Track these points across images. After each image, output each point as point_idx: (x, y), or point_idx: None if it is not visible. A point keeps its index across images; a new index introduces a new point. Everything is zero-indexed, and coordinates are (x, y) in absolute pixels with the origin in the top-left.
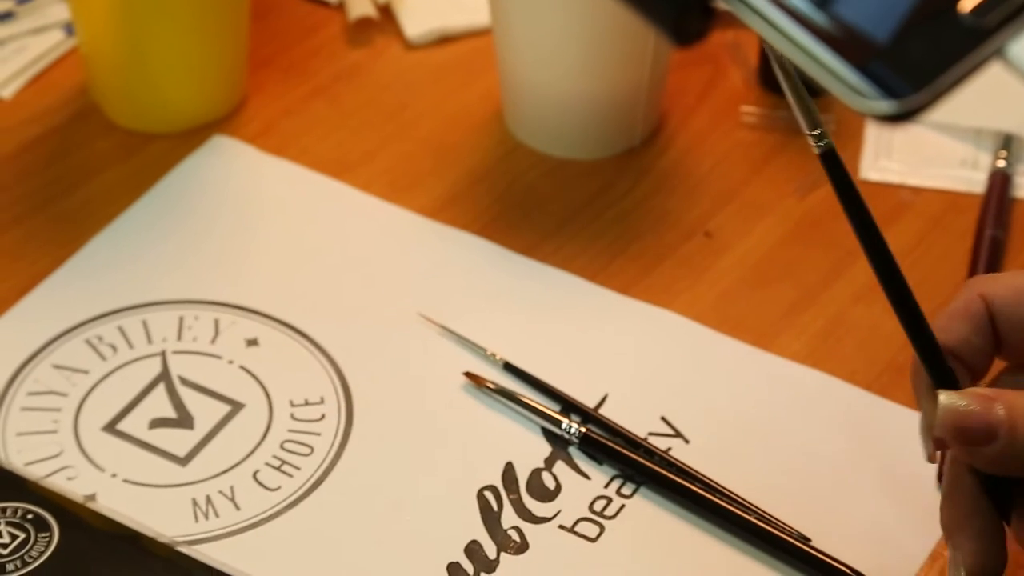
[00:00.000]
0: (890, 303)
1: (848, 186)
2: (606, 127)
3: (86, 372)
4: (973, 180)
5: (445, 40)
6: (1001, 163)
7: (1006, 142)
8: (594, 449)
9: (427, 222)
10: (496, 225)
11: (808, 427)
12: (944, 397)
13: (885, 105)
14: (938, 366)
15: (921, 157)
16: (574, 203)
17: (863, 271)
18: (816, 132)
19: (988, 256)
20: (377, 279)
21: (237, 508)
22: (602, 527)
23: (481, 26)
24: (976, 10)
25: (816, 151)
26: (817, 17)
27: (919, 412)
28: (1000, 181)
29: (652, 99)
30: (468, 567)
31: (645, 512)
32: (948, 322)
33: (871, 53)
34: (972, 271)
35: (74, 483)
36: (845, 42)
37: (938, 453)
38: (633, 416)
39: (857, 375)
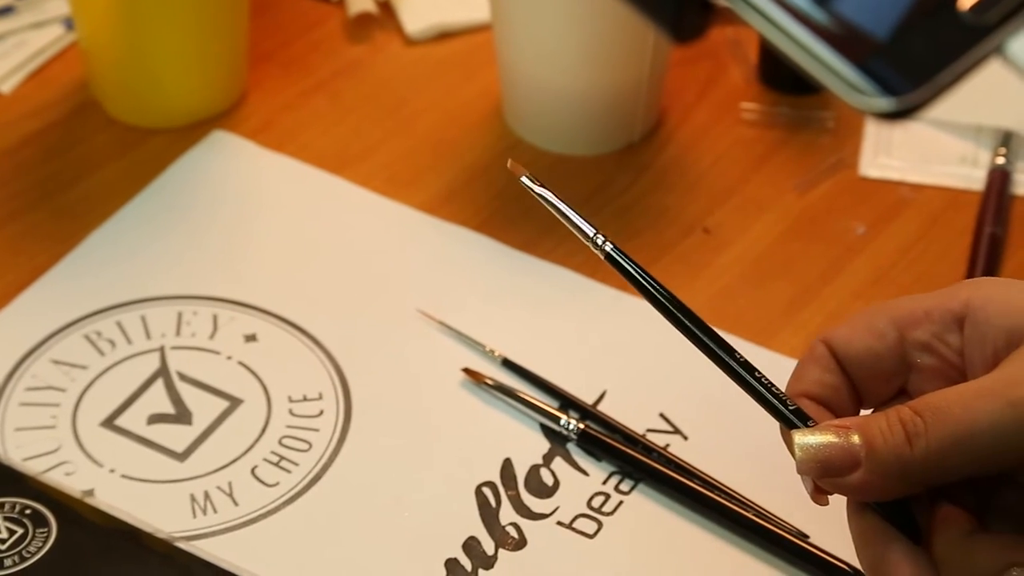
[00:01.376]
0: (713, 361)
1: (640, 277)
2: (605, 123)
3: (84, 367)
4: (972, 177)
5: (445, 36)
6: (1000, 160)
7: (1005, 139)
8: (592, 445)
9: (426, 218)
10: (495, 221)
11: None
12: (799, 436)
13: (884, 102)
14: (783, 409)
15: (921, 154)
16: (573, 199)
17: (862, 267)
18: (595, 237)
19: (987, 253)
20: (376, 275)
21: (235, 504)
22: (600, 523)
23: (481, 22)
24: (976, 7)
25: (601, 255)
26: (816, 14)
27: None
28: (999, 178)
29: (652, 95)
30: (466, 563)
31: (643, 508)
32: (799, 371)
33: (870, 50)
34: (971, 268)
35: (72, 478)
36: (844, 39)
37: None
38: (631, 412)
39: None
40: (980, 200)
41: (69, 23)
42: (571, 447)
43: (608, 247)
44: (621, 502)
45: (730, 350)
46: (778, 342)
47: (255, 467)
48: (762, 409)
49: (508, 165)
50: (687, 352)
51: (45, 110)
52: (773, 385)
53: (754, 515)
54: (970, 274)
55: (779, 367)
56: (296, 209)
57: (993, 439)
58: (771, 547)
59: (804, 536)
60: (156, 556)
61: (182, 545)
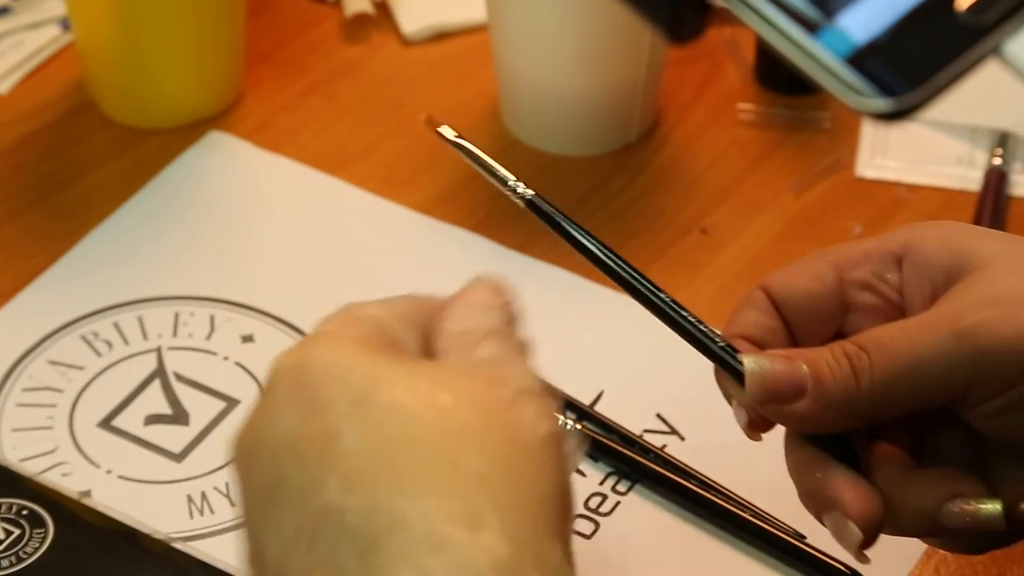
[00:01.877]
0: (644, 305)
1: (561, 222)
2: (602, 123)
3: (81, 368)
4: (969, 178)
5: (441, 36)
6: (997, 161)
7: (1002, 140)
8: (589, 446)
9: (423, 218)
10: (491, 221)
11: None
12: (749, 361)
13: (881, 103)
14: (712, 344)
15: (917, 155)
16: (570, 199)
17: None
18: (513, 185)
19: None
20: (373, 275)
21: (232, 504)
22: (597, 524)
23: (478, 22)
24: (973, 8)
25: (522, 203)
26: (813, 14)
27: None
28: (996, 179)
29: (648, 96)
30: None
31: (640, 509)
32: (734, 315)
33: (867, 50)
34: None
35: (69, 479)
36: (841, 39)
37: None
38: (628, 413)
39: None
40: (977, 201)
41: (66, 23)
42: None
43: (529, 194)
44: (618, 503)
45: (656, 289)
46: None
47: None
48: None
49: (422, 119)
50: (684, 353)
51: (41, 111)
52: (703, 323)
53: (751, 516)
54: None
55: None
56: (293, 210)
57: (937, 370)
58: (768, 548)
59: (801, 536)
60: (153, 557)
61: (179, 546)
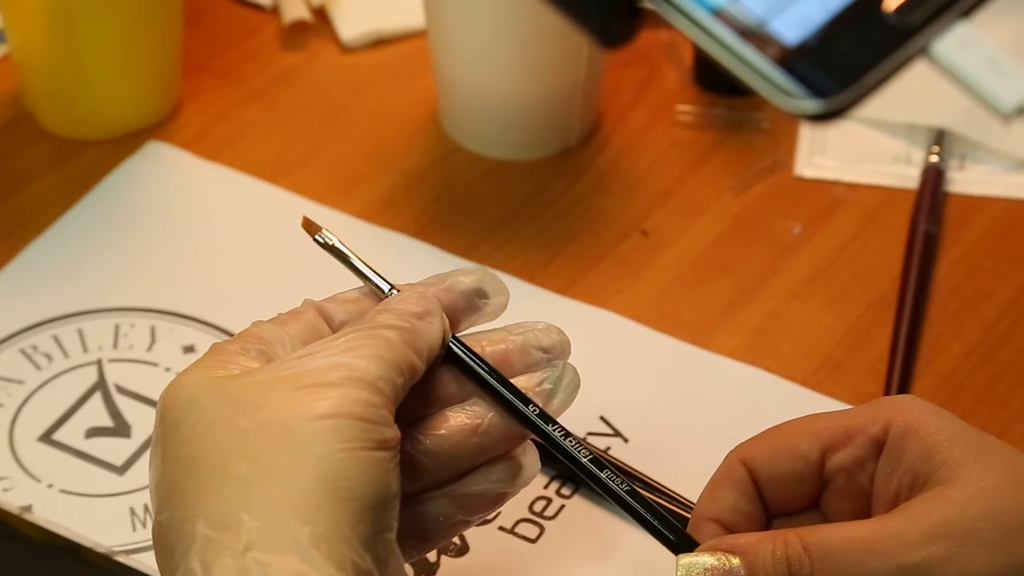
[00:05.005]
0: (600, 491)
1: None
2: (542, 128)
3: (21, 382)
4: (907, 176)
5: (380, 43)
6: (934, 158)
7: (938, 137)
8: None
9: (364, 225)
10: (433, 227)
11: (746, 424)
12: (683, 559)
13: (812, 104)
14: (669, 532)
15: (855, 153)
16: (511, 204)
17: (799, 267)
18: (389, 291)
19: (922, 251)
20: (314, 284)
21: None
22: (542, 528)
23: (417, 28)
24: (901, 8)
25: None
26: (742, 16)
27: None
28: (933, 176)
29: (588, 99)
30: (408, 570)
31: (585, 512)
32: (713, 491)
33: (797, 52)
34: (907, 266)
35: (10, 494)
36: (771, 41)
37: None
38: (572, 416)
39: (794, 371)
40: (914, 198)
41: (0, 35)
42: None
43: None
44: (563, 506)
45: (617, 476)
46: (717, 342)
47: None
48: (701, 408)
49: (301, 223)
50: (627, 355)
51: None
52: (662, 508)
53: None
54: (905, 271)
55: (719, 368)
56: (233, 219)
57: None
58: None
59: None
60: (96, 571)
61: (122, 559)
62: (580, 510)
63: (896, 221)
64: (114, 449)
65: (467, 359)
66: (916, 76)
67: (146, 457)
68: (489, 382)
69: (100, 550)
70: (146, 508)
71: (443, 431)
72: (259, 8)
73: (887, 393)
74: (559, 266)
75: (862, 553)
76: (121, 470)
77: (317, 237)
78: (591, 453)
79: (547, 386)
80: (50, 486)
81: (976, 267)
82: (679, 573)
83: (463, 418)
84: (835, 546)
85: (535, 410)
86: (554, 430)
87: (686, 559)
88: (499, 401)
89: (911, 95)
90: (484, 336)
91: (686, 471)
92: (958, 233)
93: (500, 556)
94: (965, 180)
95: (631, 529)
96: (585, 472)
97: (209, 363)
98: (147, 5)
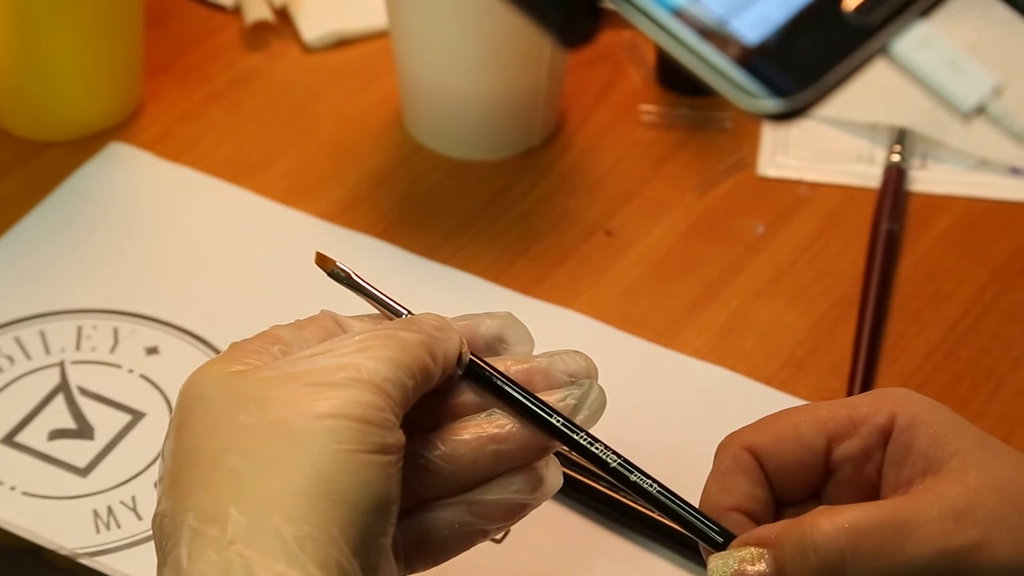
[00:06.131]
0: (634, 494)
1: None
2: (505, 128)
3: None
4: (869, 175)
5: (343, 43)
6: (896, 157)
7: (900, 136)
8: None
9: (328, 226)
10: (397, 228)
11: (710, 423)
12: (713, 560)
13: (772, 104)
14: (707, 529)
15: (818, 152)
16: (475, 204)
17: (763, 266)
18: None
19: (884, 249)
20: (278, 284)
21: (139, 518)
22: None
23: (379, 28)
24: (860, 8)
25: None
26: (702, 16)
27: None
28: (895, 175)
29: (551, 99)
30: None
31: (550, 511)
32: (725, 482)
33: (757, 52)
34: (869, 265)
35: None
36: (731, 41)
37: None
38: None
39: (758, 370)
40: (877, 197)
41: None
42: None
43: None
44: None
45: (650, 481)
46: (681, 342)
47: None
48: (666, 407)
49: (315, 260)
50: (591, 355)
51: None
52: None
53: (662, 515)
54: (868, 270)
55: (683, 367)
56: (196, 220)
57: None
58: (677, 546)
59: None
60: (59, 573)
61: (85, 561)
62: (545, 510)
63: (858, 220)
64: (77, 451)
65: (487, 370)
66: (877, 75)
67: (108, 460)
68: (510, 392)
69: (63, 552)
70: (109, 510)
71: (460, 436)
72: (221, 9)
73: (851, 393)
74: (523, 266)
75: (900, 539)
76: (84, 472)
77: (333, 271)
78: (619, 457)
79: (571, 401)
80: (12, 488)
81: (938, 266)
82: (712, 574)
83: (482, 425)
84: (867, 529)
85: (560, 420)
86: (579, 437)
87: (716, 560)
88: (521, 411)
89: (873, 94)
90: (508, 356)
91: (650, 470)
92: (920, 232)
93: (465, 556)
94: (927, 179)
95: (595, 528)
96: (616, 476)
97: (225, 359)
98: (108, 6)
